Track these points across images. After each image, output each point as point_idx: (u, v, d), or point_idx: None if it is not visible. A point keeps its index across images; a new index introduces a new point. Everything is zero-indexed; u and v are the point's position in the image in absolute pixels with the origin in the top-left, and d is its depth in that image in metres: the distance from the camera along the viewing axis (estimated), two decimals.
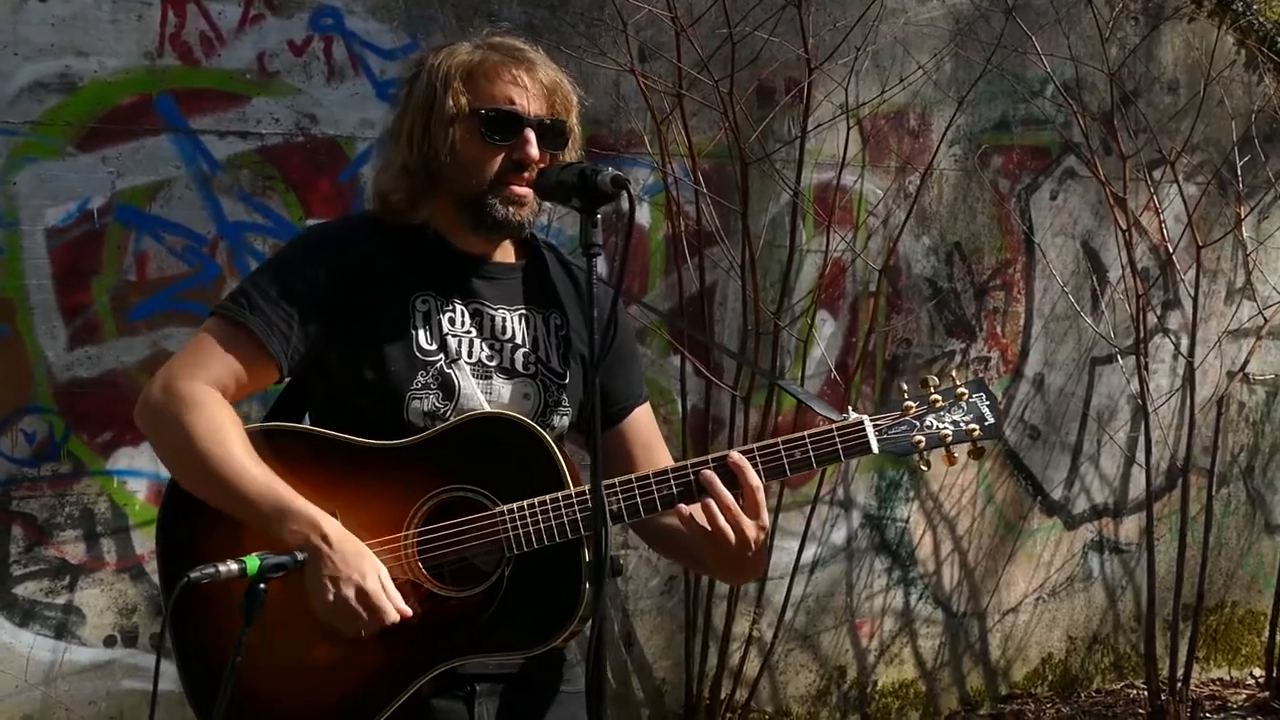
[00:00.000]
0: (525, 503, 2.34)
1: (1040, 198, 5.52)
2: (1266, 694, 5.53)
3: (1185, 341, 5.50)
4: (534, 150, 2.40)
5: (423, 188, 2.44)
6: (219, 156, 4.26)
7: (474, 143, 2.40)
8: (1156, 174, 5.44)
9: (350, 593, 2.26)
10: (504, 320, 2.50)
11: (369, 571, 2.28)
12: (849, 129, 4.76)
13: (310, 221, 4.37)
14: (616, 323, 2.63)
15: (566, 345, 2.56)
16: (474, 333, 2.47)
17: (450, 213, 2.46)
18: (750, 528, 2.35)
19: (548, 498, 2.35)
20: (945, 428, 2.41)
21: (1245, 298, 5.76)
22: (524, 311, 2.53)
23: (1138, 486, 5.82)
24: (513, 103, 2.41)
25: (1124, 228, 5.06)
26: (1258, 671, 6.02)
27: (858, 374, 5.08)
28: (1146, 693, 5.59)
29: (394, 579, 2.32)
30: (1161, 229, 5.42)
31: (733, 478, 2.35)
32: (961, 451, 2.44)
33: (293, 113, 4.33)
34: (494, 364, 2.48)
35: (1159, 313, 5.58)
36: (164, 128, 4.19)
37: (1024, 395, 5.50)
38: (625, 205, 2.10)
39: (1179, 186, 5.26)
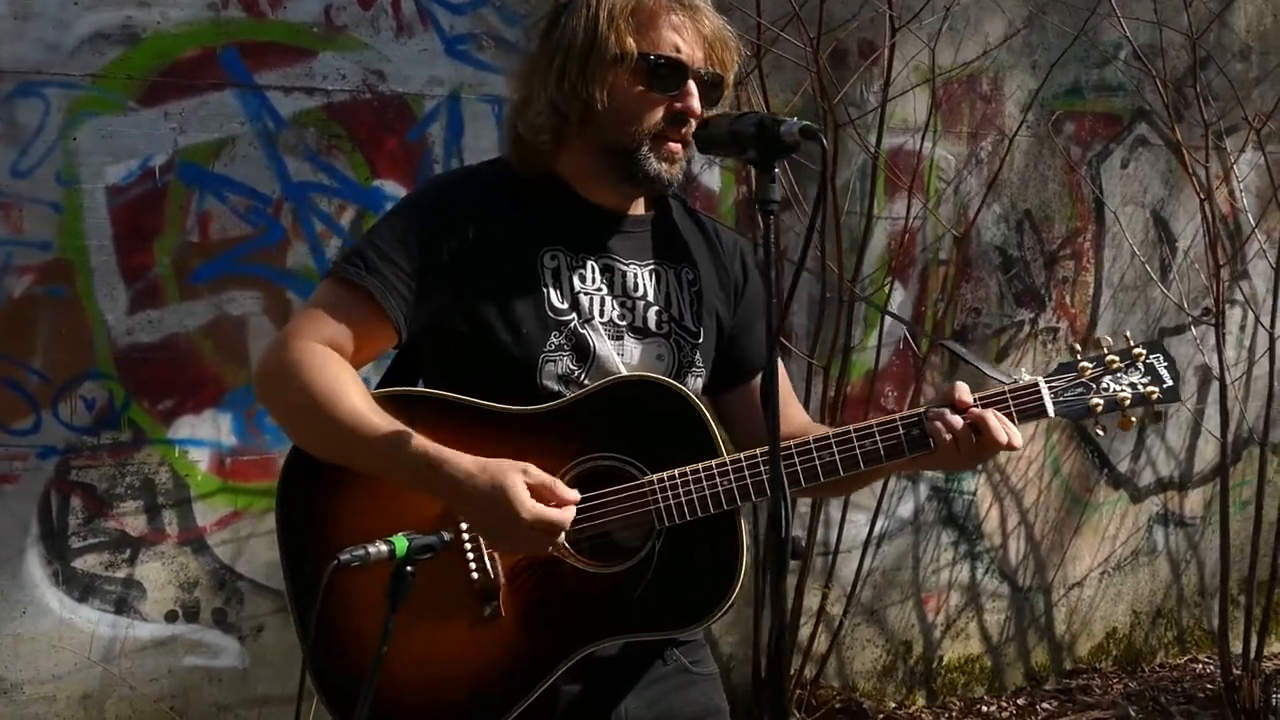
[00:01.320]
0: (676, 471, 2.21)
1: (1111, 165, 5.39)
2: None
3: (1259, 313, 5.38)
4: (696, 104, 2.26)
5: (568, 131, 2.28)
6: (284, 113, 4.11)
7: (636, 90, 2.25)
8: (1228, 142, 5.30)
9: (509, 530, 2.11)
10: (635, 276, 2.35)
11: (509, 514, 2.09)
12: (934, 92, 4.60)
13: (378, 182, 4.23)
14: (747, 275, 2.50)
15: (700, 301, 2.41)
16: (604, 290, 2.33)
17: (588, 161, 2.31)
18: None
19: (700, 466, 2.21)
20: (1122, 390, 2.31)
21: None
22: (654, 266, 2.38)
23: (1203, 459, 5.73)
24: (678, 50, 2.26)
25: (1203, 196, 4.92)
26: None
27: (925, 344, 4.94)
28: (1212, 668, 5.51)
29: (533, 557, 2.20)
30: (1232, 198, 5.29)
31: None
32: (1137, 415, 2.32)
33: (360, 69, 4.17)
34: (625, 323, 2.33)
35: (1229, 283, 5.45)
36: (228, 82, 4.03)
37: None
38: (820, 157, 1.94)
39: (1263, 154, 5.12)
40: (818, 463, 2.23)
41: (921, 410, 2.26)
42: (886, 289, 4.76)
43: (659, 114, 2.25)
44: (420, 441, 2.14)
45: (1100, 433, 2.36)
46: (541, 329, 2.26)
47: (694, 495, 2.20)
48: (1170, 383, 2.32)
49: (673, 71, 2.24)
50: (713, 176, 4.66)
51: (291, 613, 2.31)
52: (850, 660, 5.06)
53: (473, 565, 2.21)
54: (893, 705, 5.02)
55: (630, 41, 2.23)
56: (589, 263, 2.32)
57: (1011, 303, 5.25)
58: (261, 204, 4.10)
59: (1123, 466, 5.56)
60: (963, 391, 2.26)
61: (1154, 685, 5.35)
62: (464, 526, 2.21)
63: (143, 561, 4.04)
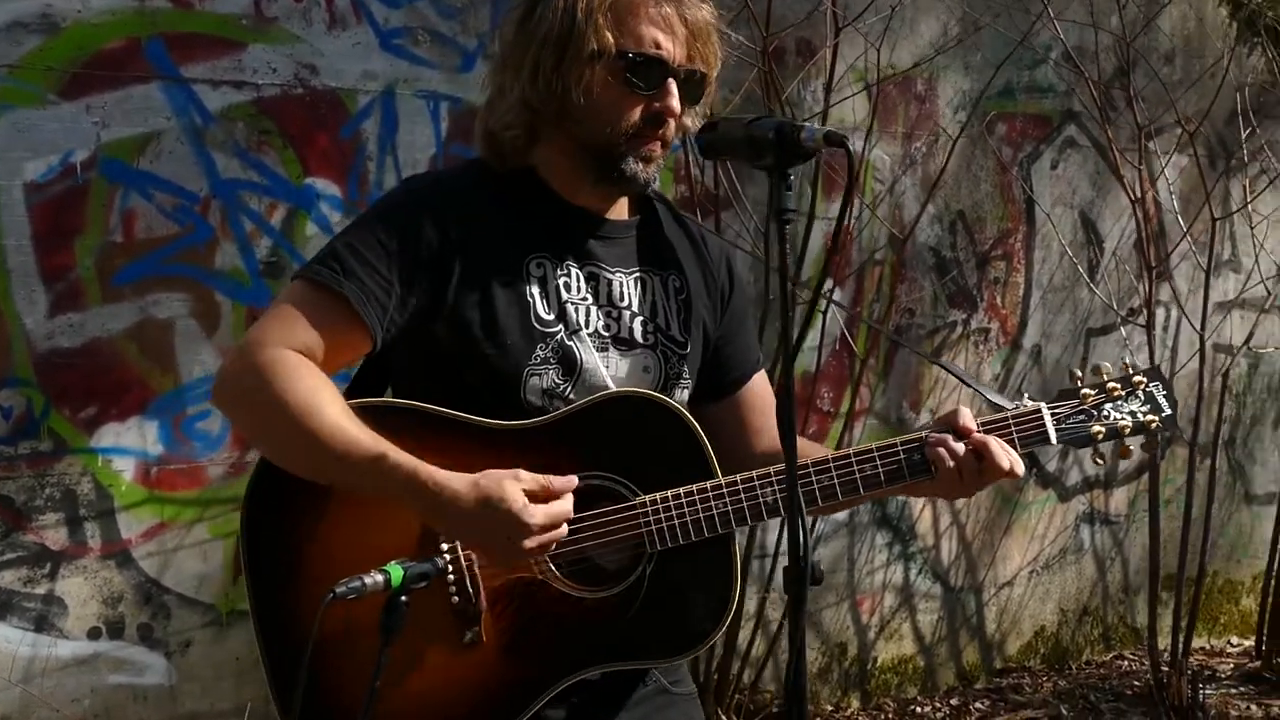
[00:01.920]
0: (670, 493, 2.12)
1: (1041, 167, 5.42)
2: (1257, 664, 5.54)
3: (1178, 314, 5.45)
4: (676, 104, 2.16)
5: (543, 126, 2.18)
6: (212, 108, 3.94)
7: (614, 87, 2.14)
8: (1152, 145, 5.35)
9: (517, 542, 2.02)
10: (620, 284, 2.26)
11: (513, 524, 2.01)
12: (876, 89, 4.57)
13: (309, 180, 4.08)
14: (733, 282, 2.42)
15: (687, 310, 2.31)
16: (590, 299, 2.23)
17: (567, 160, 2.21)
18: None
19: (695, 487, 2.13)
20: (1123, 418, 2.27)
21: (1230, 270, 5.74)
22: (640, 274, 2.28)
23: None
24: (659, 46, 2.15)
25: (1135, 197, 4.96)
26: (1235, 640, 6.06)
27: (861, 343, 4.93)
28: (1138, 664, 5.58)
29: (519, 578, 2.10)
30: (1156, 201, 5.36)
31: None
32: (1135, 444, 2.29)
33: (291, 62, 4.02)
34: (610, 334, 2.23)
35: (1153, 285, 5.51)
36: (154, 75, 3.86)
37: (1021, 367, 5.41)
38: (847, 165, 1.86)
39: (1194, 156, 5.18)
40: (816, 488, 2.16)
41: (923, 435, 2.20)
42: (826, 291, 4.72)
43: (636, 113, 2.16)
44: (407, 460, 2.03)
45: (1099, 462, 2.32)
46: (527, 341, 2.16)
47: (688, 518, 2.11)
48: (1169, 411, 2.28)
49: (653, 70, 2.14)
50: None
51: (258, 642, 2.18)
52: (787, 663, 5.03)
53: (453, 589, 2.11)
54: (829, 708, 5.00)
55: (609, 36, 2.12)
56: (574, 270, 2.23)
57: (945, 304, 5.26)
58: (188, 202, 3.93)
59: (1051, 466, 5.61)
60: (965, 417, 2.20)
61: (1083, 683, 5.40)
62: (444, 547, 2.10)
63: (64, 576, 3.85)
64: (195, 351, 3.95)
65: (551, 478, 2.05)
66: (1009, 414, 2.23)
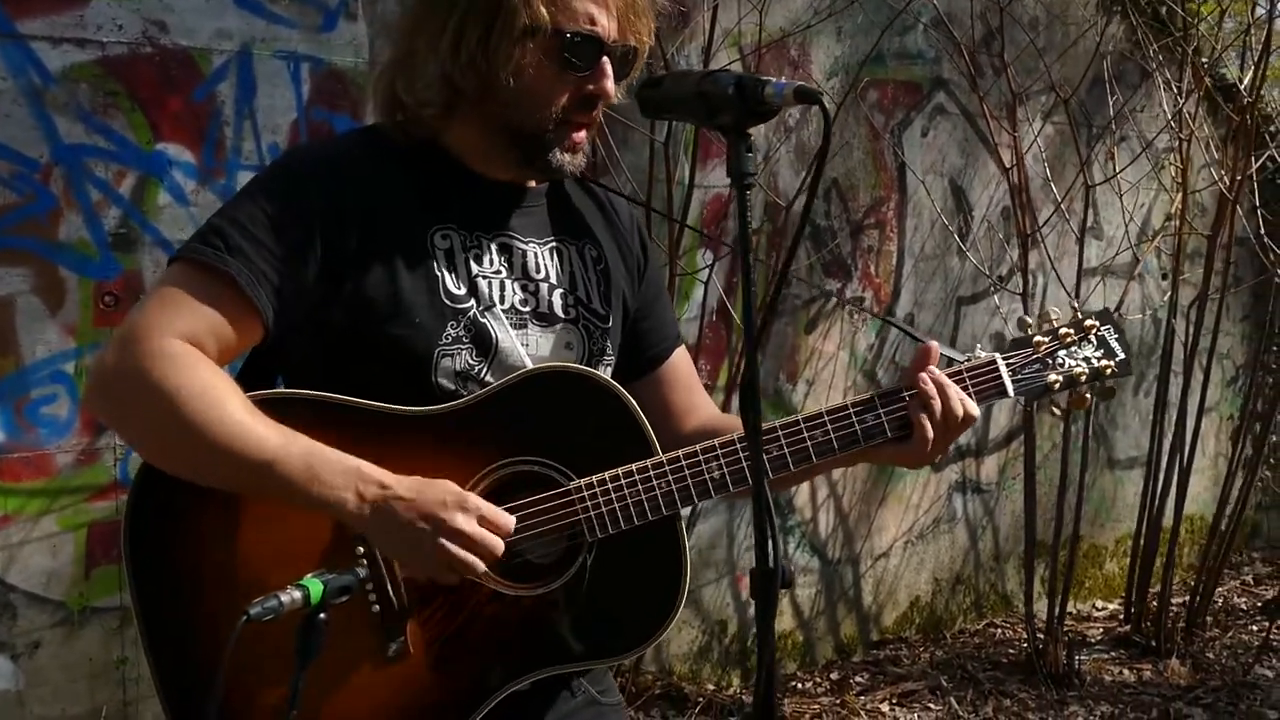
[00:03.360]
0: (607, 474, 1.95)
1: (912, 134, 5.37)
2: (1126, 628, 5.61)
3: (1043, 281, 5.47)
4: (611, 85, 1.99)
5: (467, 102, 1.98)
6: (53, 68, 3.63)
7: (548, 68, 1.95)
8: (1023, 110, 5.36)
9: (446, 542, 1.82)
10: (535, 256, 2.08)
11: (450, 506, 1.83)
12: (756, 55, 4.46)
13: (161, 146, 3.80)
14: (646, 250, 2.26)
15: (606, 281, 2.15)
16: (504, 272, 2.04)
17: (483, 139, 2.02)
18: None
19: (634, 467, 1.96)
20: (1078, 364, 2.17)
21: (1094, 237, 5.79)
22: (555, 244, 2.11)
23: (997, 425, 5.82)
24: (594, 23, 1.96)
25: (1009, 165, 4.95)
26: (1100, 604, 6.14)
27: (739, 307, 4.84)
28: (1010, 632, 5.61)
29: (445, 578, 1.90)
30: (1021, 166, 5.36)
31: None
32: (1092, 391, 2.19)
33: (139, 19, 3.73)
34: (529, 309, 2.05)
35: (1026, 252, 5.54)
36: None
37: (895, 336, 5.36)
38: (824, 127, 1.68)
39: (1072, 122, 5.18)
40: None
41: (898, 391, 2.06)
42: (702, 261, 4.61)
43: (566, 96, 1.97)
44: (337, 454, 1.83)
45: (1055, 412, 2.22)
46: (437, 319, 1.97)
47: (628, 501, 1.94)
48: (1123, 355, 2.19)
49: (589, 48, 1.96)
50: None
51: (148, 661, 1.94)
52: (666, 643, 4.91)
53: (373, 596, 1.89)
54: (711, 688, 4.91)
55: (543, 11, 1.92)
56: (484, 242, 2.04)
57: (820, 273, 5.19)
58: (28, 169, 3.62)
59: None
60: (933, 354, 2.07)
61: (959, 653, 5.40)
62: (360, 551, 1.89)
63: None
64: (38, 331, 3.65)
65: (498, 513, 1.87)
66: (963, 367, 2.11)
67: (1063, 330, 2.17)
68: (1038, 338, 2.16)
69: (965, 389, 2.09)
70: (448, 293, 1.99)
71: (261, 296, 1.89)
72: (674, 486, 1.96)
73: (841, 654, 5.39)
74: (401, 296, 1.95)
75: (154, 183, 3.78)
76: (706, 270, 4.67)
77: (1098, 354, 2.18)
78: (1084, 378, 2.16)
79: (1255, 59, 5.27)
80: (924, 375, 2.05)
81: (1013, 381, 2.13)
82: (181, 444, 1.84)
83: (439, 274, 1.98)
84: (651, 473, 1.96)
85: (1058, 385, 2.15)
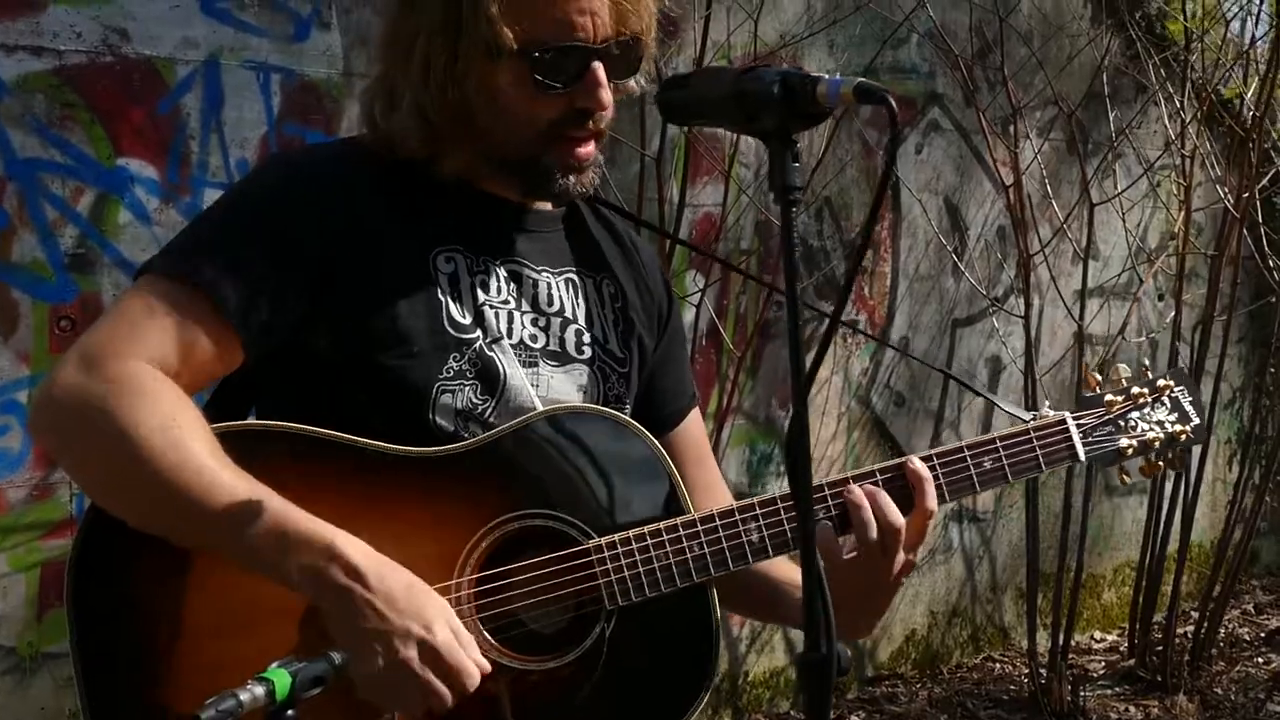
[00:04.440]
0: (631, 533, 1.73)
1: (906, 151, 5.20)
2: (1130, 662, 5.43)
3: (1040, 303, 5.31)
4: (606, 95, 1.73)
5: (448, 135, 1.75)
6: (6, 77, 3.43)
7: (523, 90, 1.72)
8: (1012, 128, 5.20)
9: (412, 654, 1.57)
10: (549, 286, 1.85)
11: (433, 617, 1.59)
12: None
13: (122, 161, 3.59)
14: (670, 298, 2.03)
15: (625, 322, 1.92)
16: (512, 303, 1.82)
17: (479, 164, 1.79)
18: (904, 563, 1.80)
19: (661, 526, 1.74)
20: (1151, 429, 1.98)
21: (1090, 258, 5.63)
22: (570, 274, 1.88)
23: None
24: (573, 30, 1.70)
25: (1009, 184, 4.79)
26: (1099, 635, 5.96)
27: (730, 333, 4.66)
28: (1010, 667, 5.43)
29: None
30: (1019, 185, 5.20)
31: (906, 495, 1.80)
32: (1165, 460, 2.01)
33: (99, 26, 3.53)
34: (539, 346, 1.83)
35: (1015, 273, 5.38)
36: None
37: (889, 360, 5.19)
38: (891, 128, 1.43)
39: (1075, 138, 5.02)
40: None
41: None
42: (692, 283, 4.43)
43: (554, 112, 1.73)
44: (281, 509, 1.59)
45: (1125, 480, 2.04)
46: (438, 349, 1.74)
47: (655, 565, 1.72)
48: (1197, 420, 2.01)
49: (568, 61, 1.71)
50: None
51: None
52: None
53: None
54: None
55: (504, 31, 1.68)
56: (493, 268, 1.81)
57: (812, 294, 5.00)
58: None
59: None
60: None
61: (958, 690, 5.21)
62: None
63: None
64: None
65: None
66: (1030, 426, 1.90)
67: (1135, 390, 1.98)
68: (1109, 396, 1.97)
69: (1033, 449, 1.89)
70: (451, 320, 1.76)
71: (239, 316, 1.67)
72: (707, 550, 1.75)
73: (836, 692, 5.18)
74: (398, 322, 1.73)
75: (114, 200, 3.58)
76: (698, 294, 4.48)
77: (1171, 418, 1.99)
78: (1158, 444, 1.97)
79: (1260, 72, 5.13)
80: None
81: (1084, 444, 1.93)
82: (130, 485, 1.61)
83: (442, 300, 1.76)
84: (682, 533, 1.74)
85: (1130, 451, 1.96)
